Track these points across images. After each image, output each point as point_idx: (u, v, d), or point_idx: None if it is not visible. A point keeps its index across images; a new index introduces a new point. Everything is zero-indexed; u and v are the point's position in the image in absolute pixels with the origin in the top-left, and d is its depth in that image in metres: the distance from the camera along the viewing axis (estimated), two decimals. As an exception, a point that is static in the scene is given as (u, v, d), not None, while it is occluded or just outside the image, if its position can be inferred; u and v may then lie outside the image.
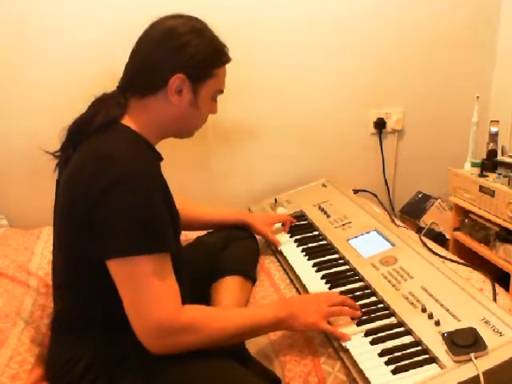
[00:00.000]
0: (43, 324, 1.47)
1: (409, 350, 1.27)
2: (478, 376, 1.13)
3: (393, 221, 2.14)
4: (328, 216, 2.05)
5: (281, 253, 1.88)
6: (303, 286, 1.64)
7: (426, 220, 2.58)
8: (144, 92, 1.30)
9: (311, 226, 2.03)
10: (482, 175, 2.21)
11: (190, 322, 1.18)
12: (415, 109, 2.70)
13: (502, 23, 2.68)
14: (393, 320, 1.39)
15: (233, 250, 1.80)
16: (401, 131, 2.73)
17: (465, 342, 1.19)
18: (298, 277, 1.70)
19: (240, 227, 1.92)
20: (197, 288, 1.61)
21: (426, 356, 1.24)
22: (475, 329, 1.24)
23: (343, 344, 1.31)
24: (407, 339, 1.31)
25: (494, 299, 1.56)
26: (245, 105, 2.40)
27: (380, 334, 1.33)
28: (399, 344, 1.29)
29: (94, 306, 1.26)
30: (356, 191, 2.42)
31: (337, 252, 1.79)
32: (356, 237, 1.84)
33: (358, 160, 2.70)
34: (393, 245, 1.73)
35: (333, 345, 1.36)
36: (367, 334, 1.34)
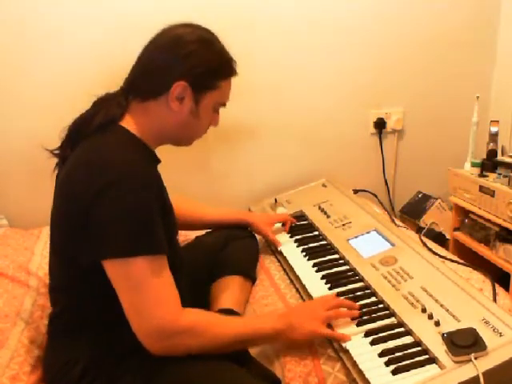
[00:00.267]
0: (43, 324, 1.47)
1: (409, 351, 1.27)
2: (477, 376, 1.13)
3: (393, 221, 2.14)
4: (328, 216, 2.05)
5: (281, 253, 1.88)
6: (303, 287, 1.64)
7: (426, 220, 2.58)
8: (146, 95, 1.30)
9: (311, 226, 2.03)
10: (481, 175, 2.21)
11: (190, 325, 1.19)
12: (415, 109, 2.70)
13: (502, 23, 2.68)
14: (393, 320, 1.39)
15: (233, 249, 1.80)
16: (401, 131, 2.73)
17: (465, 343, 1.19)
18: (297, 277, 1.70)
19: (240, 227, 1.92)
20: (197, 288, 1.62)
21: (426, 356, 1.24)
22: (475, 329, 1.24)
23: (343, 344, 1.31)
24: (407, 339, 1.31)
25: (494, 299, 1.56)
26: (245, 105, 2.40)
27: (380, 335, 1.33)
28: (399, 344, 1.29)
29: (88, 308, 1.26)
30: (356, 191, 2.42)
31: (337, 252, 1.79)
32: (356, 237, 1.84)
33: (358, 160, 2.71)
34: (393, 245, 1.73)
35: (333, 345, 1.36)
36: (367, 334, 1.34)
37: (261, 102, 2.45)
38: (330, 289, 1.58)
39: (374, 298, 1.50)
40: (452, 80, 2.71)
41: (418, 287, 1.48)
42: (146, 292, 1.14)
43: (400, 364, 1.22)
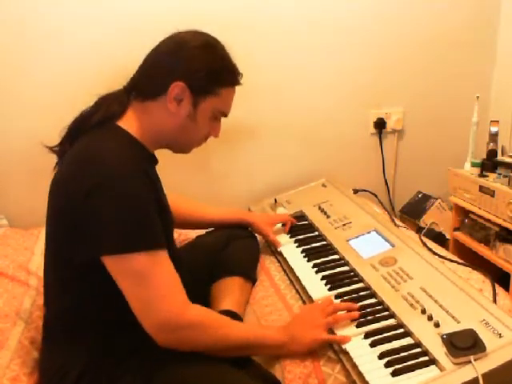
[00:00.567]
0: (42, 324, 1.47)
1: (408, 352, 1.27)
2: (477, 378, 1.13)
3: (393, 221, 2.14)
4: (328, 216, 2.05)
5: (281, 253, 1.88)
6: (303, 288, 1.64)
7: (426, 220, 2.58)
8: (146, 95, 1.31)
9: (311, 227, 2.03)
10: (481, 175, 2.21)
11: (197, 320, 1.20)
12: (415, 109, 2.71)
13: (502, 23, 2.68)
14: (392, 321, 1.39)
15: (233, 249, 1.80)
16: (401, 131, 2.73)
17: (464, 344, 1.19)
18: (297, 278, 1.70)
19: (240, 226, 1.92)
20: (197, 287, 1.61)
21: (426, 358, 1.24)
22: (474, 331, 1.24)
23: (343, 346, 1.31)
24: (407, 341, 1.31)
25: (494, 299, 1.56)
26: (245, 105, 2.37)
27: (380, 336, 1.33)
28: (399, 346, 1.29)
29: (85, 309, 1.25)
30: (356, 191, 2.42)
31: (337, 253, 1.79)
32: (356, 237, 1.84)
33: (358, 160, 2.71)
34: (392, 245, 1.73)
35: (333, 347, 1.36)
36: (367, 335, 1.34)
37: (261, 102, 2.45)
38: (329, 290, 1.58)
39: (373, 299, 1.50)
40: (452, 80, 2.71)
41: (417, 288, 1.47)
42: (152, 285, 1.15)
43: (400, 366, 1.22)
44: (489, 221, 2.16)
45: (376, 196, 2.50)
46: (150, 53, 1.35)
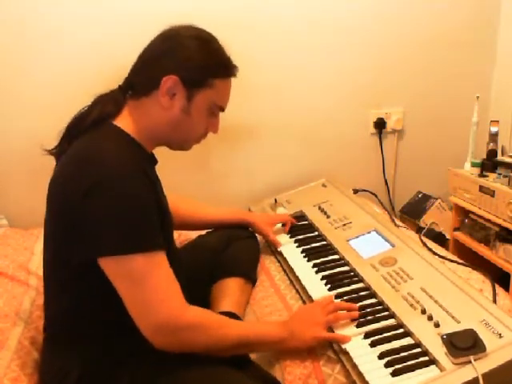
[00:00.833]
0: (42, 324, 1.46)
1: (408, 352, 1.26)
2: (477, 378, 1.13)
3: (393, 221, 2.14)
4: (328, 216, 2.05)
5: (281, 253, 1.88)
6: (303, 288, 1.64)
7: (426, 220, 2.58)
8: (140, 92, 1.29)
9: (311, 227, 2.03)
10: (481, 175, 2.21)
11: (196, 321, 1.19)
12: (415, 109, 2.71)
13: (502, 23, 2.68)
14: (392, 322, 1.39)
15: (234, 250, 1.79)
16: (401, 131, 2.73)
17: (464, 344, 1.19)
18: (297, 278, 1.70)
19: (241, 227, 1.92)
20: (197, 288, 1.61)
21: (426, 358, 1.24)
22: (474, 331, 1.24)
23: (343, 346, 1.31)
24: (407, 341, 1.31)
25: (494, 299, 1.56)
26: (245, 105, 2.39)
27: (379, 336, 1.33)
28: (399, 346, 1.29)
29: (85, 310, 1.24)
30: (356, 191, 2.42)
31: (337, 253, 1.79)
32: (356, 237, 1.84)
33: (358, 160, 2.71)
34: (392, 245, 1.73)
35: (333, 347, 1.36)
36: (367, 336, 1.34)
37: (261, 102, 2.45)
38: (329, 290, 1.58)
39: (373, 299, 1.50)
40: (452, 80, 2.71)
41: (417, 288, 1.47)
42: (149, 288, 1.13)
43: (399, 366, 1.22)
44: (489, 221, 2.16)
45: (376, 196, 2.50)
46: (143, 50, 1.33)
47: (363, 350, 1.29)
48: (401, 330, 1.35)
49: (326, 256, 1.79)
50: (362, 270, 1.63)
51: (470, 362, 1.16)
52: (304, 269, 1.73)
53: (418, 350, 1.27)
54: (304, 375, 1.30)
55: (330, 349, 1.36)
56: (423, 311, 1.37)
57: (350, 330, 1.37)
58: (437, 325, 1.31)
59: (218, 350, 1.23)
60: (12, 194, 2.25)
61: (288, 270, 1.79)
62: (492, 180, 2.14)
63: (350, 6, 2.45)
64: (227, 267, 1.71)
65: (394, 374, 1.20)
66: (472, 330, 1.24)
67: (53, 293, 1.33)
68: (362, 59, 2.55)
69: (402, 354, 1.26)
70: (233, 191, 2.53)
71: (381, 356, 1.26)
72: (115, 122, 1.28)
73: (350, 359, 1.28)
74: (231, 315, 1.49)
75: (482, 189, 2.15)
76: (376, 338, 1.32)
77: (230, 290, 1.64)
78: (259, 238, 1.97)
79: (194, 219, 1.84)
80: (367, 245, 1.78)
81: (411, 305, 1.41)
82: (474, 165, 2.26)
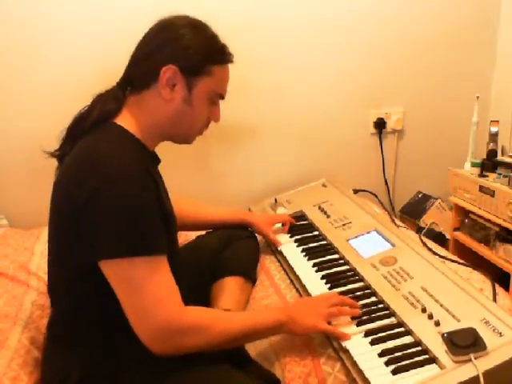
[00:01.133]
0: (43, 324, 1.46)
1: (409, 351, 1.26)
2: (477, 376, 1.13)
3: (393, 221, 2.14)
4: (328, 216, 2.05)
5: (281, 253, 1.88)
6: (303, 287, 1.64)
7: (426, 220, 2.58)
8: (139, 87, 1.28)
9: (311, 226, 2.03)
10: (481, 175, 2.21)
11: (194, 323, 1.17)
12: (415, 109, 2.71)
13: (502, 23, 2.68)
14: (393, 320, 1.39)
15: (234, 249, 1.79)
16: (401, 131, 2.73)
17: (464, 343, 1.19)
18: (297, 277, 1.70)
19: (241, 227, 1.92)
20: (198, 288, 1.62)
21: (426, 356, 1.24)
22: (475, 329, 1.24)
23: (343, 344, 1.31)
24: (407, 339, 1.31)
25: (494, 299, 1.56)
26: (245, 105, 2.40)
27: (380, 335, 1.33)
28: (399, 344, 1.29)
29: (87, 311, 1.24)
30: (356, 191, 2.42)
31: (337, 252, 1.79)
32: (356, 237, 1.84)
33: (358, 160, 2.71)
34: (393, 245, 1.73)
35: (333, 345, 1.36)
36: (367, 334, 1.34)
37: (261, 101, 2.46)
38: (329, 289, 1.58)
39: (373, 298, 1.50)
40: (452, 80, 2.71)
41: (418, 287, 1.47)
42: (147, 293, 1.12)
43: (400, 364, 1.22)
44: (489, 221, 2.16)
45: (376, 196, 2.50)
46: (138, 43, 1.32)
47: (363, 348, 1.29)
48: (401, 329, 1.35)
49: (326, 255, 1.79)
50: (362, 270, 1.63)
51: (471, 360, 1.16)
52: (304, 268, 1.73)
53: (419, 348, 1.27)
54: (304, 373, 1.30)
55: (330, 347, 1.36)
56: (423, 310, 1.37)
57: (350, 329, 1.36)
58: (437, 323, 1.31)
59: (219, 346, 1.22)
60: (12, 194, 2.25)
61: (288, 270, 1.79)
62: (492, 180, 2.14)
63: (349, 5, 2.45)
64: (227, 266, 1.71)
65: (395, 372, 1.20)
66: (472, 328, 1.24)
67: (57, 293, 1.33)
68: (362, 59, 2.55)
69: (403, 353, 1.26)
70: (233, 191, 2.53)
71: (381, 354, 1.26)
72: (117, 121, 1.27)
73: (350, 357, 1.28)
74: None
75: (481, 189, 2.15)
76: (376, 336, 1.32)
77: (229, 288, 1.64)
78: (259, 237, 1.97)
79: (195, 220, 1.84)
80: (367, 244, 1.78)
81: (411, 304, 1.41)
82: (473, 165, 2.26)
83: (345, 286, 1.59)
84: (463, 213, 2.35)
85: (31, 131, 2.16)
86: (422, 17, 2.57)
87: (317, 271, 1.69)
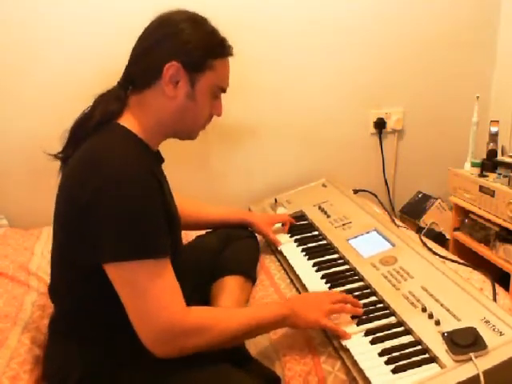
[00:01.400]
0: (43, 324, 1.46)
1: (409, 350, 1.26)
2: (478, 375, 1.13)
3: (393, 221, 2.14)
4: (328, 216, 2.05)
5: (281, 252, 1.88)
6: (303, 286, 1.64)
7: (426, 220, 2.58)
8: (141, 85, 1.27)
9: (311, 226, 2.03)
10: (481, 175, 2.21)
11: (196, 324, 1.17)
12: (415, 109, 2.71)
13: (502, 23, 2.68)
14: (393, 320, 1.39)
15: (233, 249, 1.79)
16: (401, 131, 2.73)
17: (465, 342, 1.19)
18: (297, 276, 1.70)
19: (241, 226, 1.92)
20: (199, 288, 1.61)
21: (426, 355, 1.24)
22: (475, 328, 1.24)
23: (343, 343, 1.31)
24: (407, 339, 1.31)
25: (494, 299, 1.56)
26: (245, 105, 2.40)
27: (380, 334, 1.33)
28: (399, 343, 1.29)
29: (89, 311, 1.24)
30: (356, 191, 2.42)
31: (337, 252, 1.79)
32: (356, 237, 1.84)
33: (358, 160, 2.71)
34: (393, 245, 1.73)
35: (333, 344, 1.36)
36: (367, 333, 1.34)
37: (261, 101, 2.46)
38: (329, 288, 1.58)
39: (374, 298, 1.50)
40: (452, 80, 2.71)
41: (418, 287, 1.47)
42: (150, 297, 1.11)
43: (400, 363, 1.22)
44: (489, 221, 2.16)
45: (376, 196, 2.50)
46: (136, 42, 1.31)
47: (364, 347, 1.29)
48: (401, 328, 1.35)
49: (326, 255, 1.79)
50: (363, 269, 1.63)
51: (471, 359, 1.16)
52: (304, 267, 1.73)
53: (419, 347, 1.27)
54: (304, 372, 1.30)
55: (330, 346, 1.36)
56: (424, 309, 1.37)
57: (351, 328, 1.36)
58: (437, 323, 1.31)
59: (221, 344, 1.22)
60: (12, 194, 2.25)
61: (288, 269, 1.79)
62: (492, 180, 2.14)
63: (349, 5, 2.46)
64: (227, 266, 1.70)
65: (395, 371, 1.20)
66: (473, 327, 1.24)
67: (59, 292, 1.33)
68: (362, 59, 2.55)
69: (403, 352, 1.26)
70: (233, 191, 2.53)
71: (381, 353, 1.26)
72: (120, 122, 1.26)
73: (350, 356, 1.28)
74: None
75: (481, 189, 2.15)
76: (377, 335, 1.32)
77: (229, 287, 1.64)
78: (259, 237, 1.97)
79: (196, 219, 1.84)
80: (367, 244, 1.78)
81: (412, 303, 1.41)
82: (473, 165, 2.26)
83: (345, 285, 1.59)
84: (463, 213, 2.35)
85: (31, 131, 2.16)
86: (422, 17, 2.57)
87: (317, 271, 1.69)
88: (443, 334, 1.24)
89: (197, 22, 1.28)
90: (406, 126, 2.72)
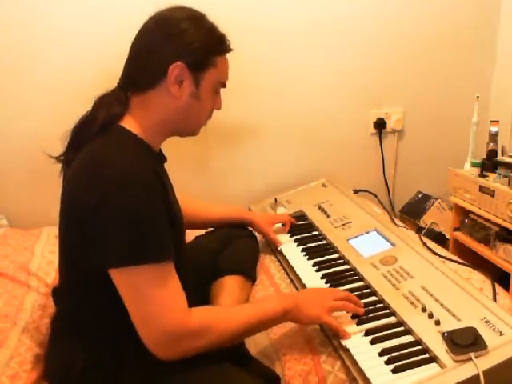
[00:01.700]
0: (43, 324, 1.46)
1: (409, 350, 1.26)
2: (478, 375, 1.13)
3: (393, 221, 2.14)
4: (328, 216, 2.05)
5: (281, 252, 1.88)
6: (303, 286, 1.64)
7: (426, 220, 2.58)
8: (144, 87, 1.26)
9: (311, 226, 2.03)
10: (481, 175, 2.21)
11: (199, 326, 1.17)
12: (415, 109, 2.71)
13: (502, 23, 2.68)
14: (393, 319, 1.39)
15: (233, 249, 1.79)
16: (401, 131, 2.73)
17: (465, 342, 1.19)
18: (297, 276, 1.70)
19: (240, 225, 1.92)
20: (199, 288, 1.61)
21: (426, 355, 1.24)
22: (475, 328, 1.24)
23: (343, 343, 1.31)
24: (407, 339, 1.31)
25: (494, 299, 1.56)
26: (245, 105, 2.40)
27: (380, 334, 1.33)
28: (399, 343, 1.29)
29: (92, 311, 1.24)
30: (356, 191, 2.42)
31: (337, 252, 1.79)
32: (356, 237, 1.84)
33: (358, 160, 2.71)
34: (393, 245, 1.73)
35: (333, 344, 1.36)
36: (367, 333, 1.34)
37: (261, 101, 2.46)
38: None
39: (374, 298, 1.50)
40: (452, 80, 2.71)
41: (418, 287, 1.47)
42: (154, 301, 1.12)
43: (400, 363, 1.22)
44: (489, 221, 2.16)
45: (376, 196, 2.50)
46: (133, 42, 1.30)
47: (364, 347, 1.29)
48: (401, 328, 1.35)
49: (326, 255, 1.79)
50: (363, 269, 1.63)
51: (471, 359, 1.16)
52: (304, 267, 1.73)
53: (419, 347, 1.27)
54: (304, 371, 1.30)
55: (330, 346, 1.36)
56: (424, 309, 1.37)
57: (351, 328, 1.36)
58: (437, 323, 1.31)
59: (224, 343, 1.22)
60: (12, 194, 2.24)
61: (288, 269, 1.79)
62: (492, 180, 2.14)
63: (350, 5, 2.46)
64: (227, 265, 1.70)
65: (395, 370, 1.20)
66: (473, 327, 1.24)
67: (63, 292, 1.34)
68: (362, 59, 2.55)
69: (403, 352, 1.26)
70: (233, 191, 2.53)
71: (381, 353, 1.26)
72: (122, 124, 1.25)
73: (350, 356, 1.28)
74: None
75: (482, 189, 2.15)
76: (376, 335, 1.32)
77: (229, 287, 1.63)
78: (259, 237, 1.98)
79: (195, 218, 1.83)
80: (367, 244, 1.78)
81: (412, 303, 1.41)
82: (473, 165, 2.26)
83: (345, 285, 1.59)
84: (463, 213, 2.35)
85: (31, 131, 2.16)
86: (422, 17, 2.57)
87: (317, 271, 1.69)
88: (443, 333, 1.24)
89: (197, 20, 1.28)
90: (406, 126, 2.72)
